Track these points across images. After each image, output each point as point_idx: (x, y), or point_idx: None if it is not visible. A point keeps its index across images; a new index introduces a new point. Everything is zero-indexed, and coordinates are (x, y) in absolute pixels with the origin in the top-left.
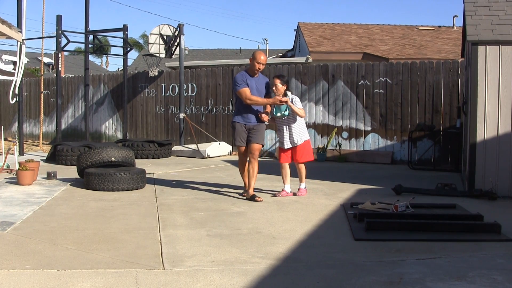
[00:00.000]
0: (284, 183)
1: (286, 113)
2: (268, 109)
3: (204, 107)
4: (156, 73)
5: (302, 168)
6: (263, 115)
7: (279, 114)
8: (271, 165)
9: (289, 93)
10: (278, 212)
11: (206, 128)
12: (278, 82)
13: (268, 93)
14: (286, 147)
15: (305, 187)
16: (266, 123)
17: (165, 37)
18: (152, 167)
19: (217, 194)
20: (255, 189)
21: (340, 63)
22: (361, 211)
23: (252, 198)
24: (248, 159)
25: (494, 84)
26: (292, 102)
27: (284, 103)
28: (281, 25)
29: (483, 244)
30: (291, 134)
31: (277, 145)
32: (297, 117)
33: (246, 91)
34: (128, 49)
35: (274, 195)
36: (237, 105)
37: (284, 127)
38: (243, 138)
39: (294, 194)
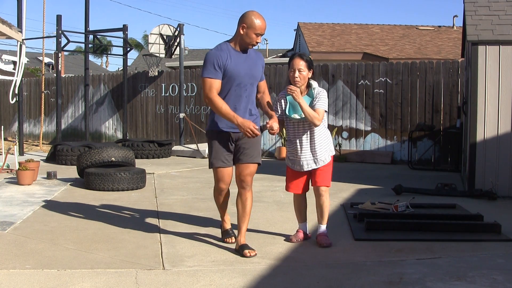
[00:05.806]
0: (299, 222)
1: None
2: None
3: (204, 107)
4: (156, 73)
5: (327, 198)
6: (273, 124)
7: (297, 116)
8: (271, 165)
9: (314, 83)
10: (278, 212)
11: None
12: (302, 64)
13: (263, 79)
14: (304, 168)
15: (326, 229)
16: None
17: (165, 37)
18: (152, 167)
19: None
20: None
21: (340, 63)
22: (361, 211)
23: (241, 251)
24: (237, 188)
25: (494, 84)
26: (316, 97)
27: (256, 134)
28: (281, 25)
29: (483, 244)
30: (314, 148)
31: (278, 144)
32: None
33: (213, 83)
34: (128, 49)
35: (289, 240)
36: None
37: (303, 136)
38: (228, 155)
39: (306, 238)
